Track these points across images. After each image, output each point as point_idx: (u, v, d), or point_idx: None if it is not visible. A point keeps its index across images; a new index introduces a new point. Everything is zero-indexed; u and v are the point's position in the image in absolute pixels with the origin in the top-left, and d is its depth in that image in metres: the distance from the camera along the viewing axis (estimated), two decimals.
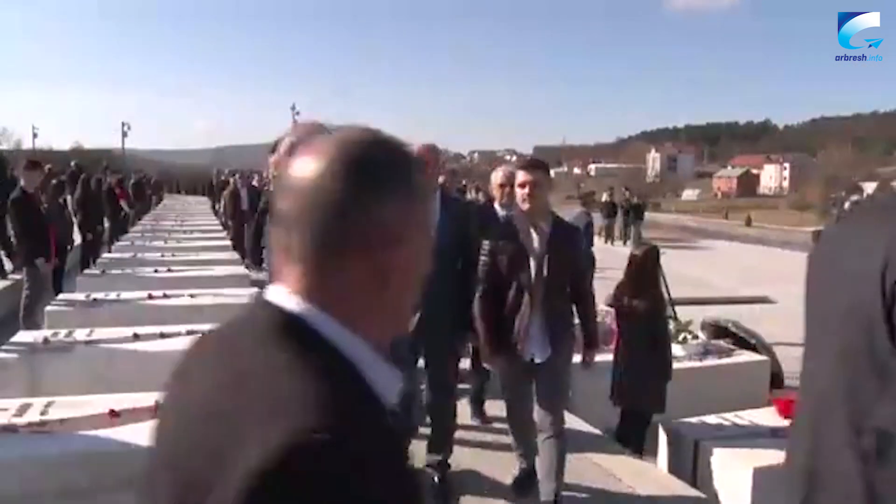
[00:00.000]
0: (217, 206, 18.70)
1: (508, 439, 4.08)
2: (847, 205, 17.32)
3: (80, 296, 7.05)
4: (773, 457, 4.15)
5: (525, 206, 3.55)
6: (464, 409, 4.89)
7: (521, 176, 3.55)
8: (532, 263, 3.58)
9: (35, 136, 58.70)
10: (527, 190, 3.50)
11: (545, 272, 3.55)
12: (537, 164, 3.68)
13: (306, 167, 0.81)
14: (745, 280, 14.57)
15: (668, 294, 7.07)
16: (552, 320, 3.61)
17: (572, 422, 4.64)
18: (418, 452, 4.10)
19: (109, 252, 11.53)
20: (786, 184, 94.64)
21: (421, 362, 3.95)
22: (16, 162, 10.89)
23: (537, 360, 3.62)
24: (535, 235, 3.57)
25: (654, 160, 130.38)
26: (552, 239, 3.57)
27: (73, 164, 17.62)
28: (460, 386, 4.53)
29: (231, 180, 15.27)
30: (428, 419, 4.11)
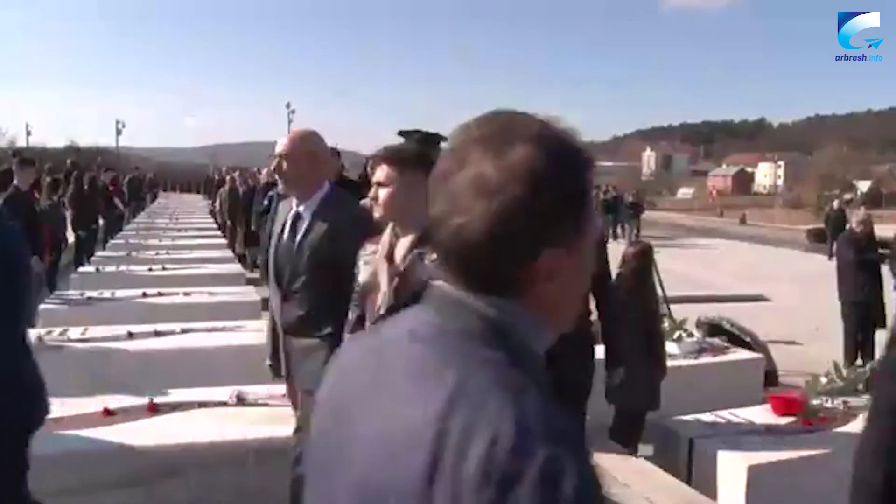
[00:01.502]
0: (214, 205, 18.60)
1: None
2: (836, 203, 17.39)
3: (74, 294, 7.04)
4: (768, 454, 4.17)
5: (375, 215, 2.48)
6: None
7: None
8: (379, 294, 2.43)
9: (29, 133, 58.57)
10: (374, 192, 2.43)
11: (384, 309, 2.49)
12: (392, 156, 2.41)
13: None
14: (740, 278, 14.58)
15: (663, 292, 7.09)
16: None
17: None
18: None
19: (104, 250, 11.50)
20: (780, 182, 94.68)
21: None
22: (10, 160, 10.87)
23: None
24: (383, 260, 2.43)
25: (649, 158, 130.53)
26: (407, 266, 2.32)
27: (69, 162, 17.57)
28: None
29: (229, 178, 15.19)
30: None
